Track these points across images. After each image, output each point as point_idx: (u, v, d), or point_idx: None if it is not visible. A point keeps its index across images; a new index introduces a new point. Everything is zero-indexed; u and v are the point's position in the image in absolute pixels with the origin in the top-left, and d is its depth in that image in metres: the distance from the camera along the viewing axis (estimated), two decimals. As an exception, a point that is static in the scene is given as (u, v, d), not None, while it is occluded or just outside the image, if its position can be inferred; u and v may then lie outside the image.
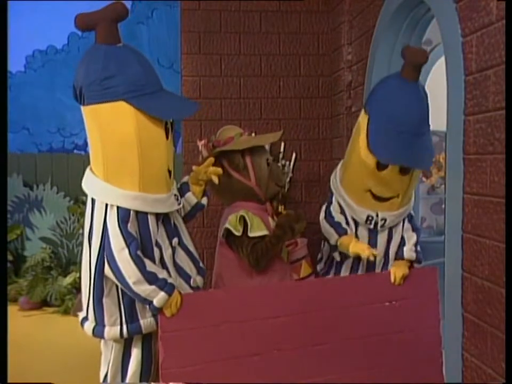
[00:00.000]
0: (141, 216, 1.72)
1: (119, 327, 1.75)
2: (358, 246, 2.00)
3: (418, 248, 2.16)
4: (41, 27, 5.36)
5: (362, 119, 2.07)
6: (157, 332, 1.78)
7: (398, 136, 1.92)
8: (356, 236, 2.12)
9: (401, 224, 2.18)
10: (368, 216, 2.08)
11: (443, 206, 5.10)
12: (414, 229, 2.19)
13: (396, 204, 2.09)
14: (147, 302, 1.66)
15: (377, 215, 2.08)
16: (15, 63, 5.41)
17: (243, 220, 2.07)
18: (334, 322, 1.84)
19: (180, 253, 1.88)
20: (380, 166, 1.99)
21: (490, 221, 1.84)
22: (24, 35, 5.26)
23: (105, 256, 1.68)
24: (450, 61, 2.09)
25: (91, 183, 1.76)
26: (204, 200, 2.05)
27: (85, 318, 1.82)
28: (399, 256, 2.13)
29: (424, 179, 5.58)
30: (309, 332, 1.81)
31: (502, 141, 1.75)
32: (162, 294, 1.65)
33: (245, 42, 3.33)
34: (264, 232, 2.08)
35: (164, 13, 5.45)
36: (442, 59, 2.24)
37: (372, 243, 2.11)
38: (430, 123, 1.99)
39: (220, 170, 2.01)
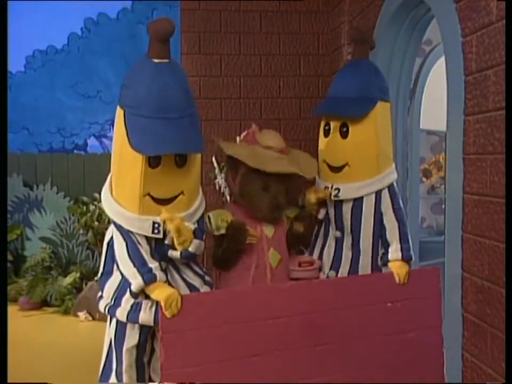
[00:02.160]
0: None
1: (107, 302, 1.84)
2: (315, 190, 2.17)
3: (408, 245, 2.08)
4: (41, 27, 5.36)
5: None
6: (128, 326, 1.82)
7: (329, 100, 2.17)
8: (327, 213, 2.22)
9: (374, 205, 2.13)
10: (325, 188, 2.16)
11: (443, 206, 5.10)
12: (399, 221, 2.11)
13: (348, 174, 2.11)
14: (127, 283, 1.72)
15: (332, 187, 2.13)
16: (15, 63, 5.41)
17: (209, 219, 2.00)
18: (335, 323, 1.84)
19: (175, 277, 1.86)
20: (325, 132, 2.18)
21: (490, 221, 1.84)
22: (24, 35, 5.27)
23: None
24: (450, 61, 2.09)
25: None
26: (174, 254, 1.81)
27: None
28: (385, 260, 2.07)
29: (424, 179, 5.59)
30: (310, 333, 1.81)
31: (502, 141, 1.75)
32: (139, 279, 1.68)
33: (245, 42, 3.33)
34: (222, 231, 2.01)
35: (163, 13, 5.44)
36: (442, 59, 2.24)
37: (338, 218, 2.18)
38: (369, 90, 2.10)
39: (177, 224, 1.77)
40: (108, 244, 1.84)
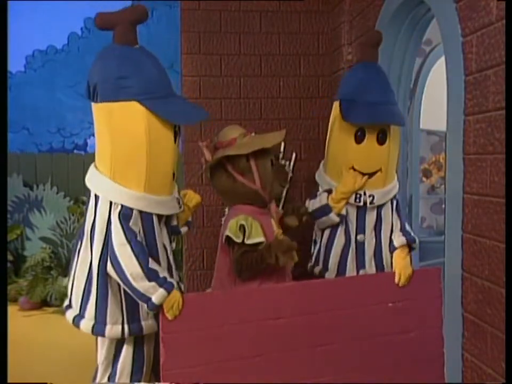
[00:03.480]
0: (145, 216, 1.74)
1: (120, 326, 1.76)
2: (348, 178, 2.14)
3: (407, 230, 2.18)
4: (41, 27, 5.36)
5: (335, 108, 2.27)
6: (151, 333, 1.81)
7: (365, 105, 2.11)
8: (346, 217, 2.21)
9: (390, 208, 2.20)
10: (356, 195, 2.14)
11: (443, 206, 5.10)
12: (399, 215, 2.23)
13: (381, 179, 2.14)
14: (145, 298, 1.65)
15: (364, 193, 2.13)
16: (15, 63, 5.41)
17: (243, 228, 2.01)
18: (336, 323, 1.84)
19: (170, 260, 1.89)
20: (358, 138, 2.12)
21: (490, 221, 1.84)
22: (24, 35, 5.26)
23: (108, 252, 1.69)
24: (450, 61, 2.09)
25: (96, 180, 1.76)
26: (185, 229, 2.04)
27: (80, 316, 1.80)
28: (392, 249, 2.16)
29: (424, 179, 5.58)
30: (311, 333, 1.81)
31: (502, 141, 1.75)
32: (161, 291, 1.64)
33: (245, 42, 3.33)
34: (260, 239, 2.01)
35: (163, 13, 5.45)
36: (442, 59, 2.24)
37: (361, 222, 2.19)
38: (394, 96, 2.17)
39: (199, 200, 2.07)
40: (99, 265, 1.72)
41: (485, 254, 1.88)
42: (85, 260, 1.77)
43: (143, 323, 1.78)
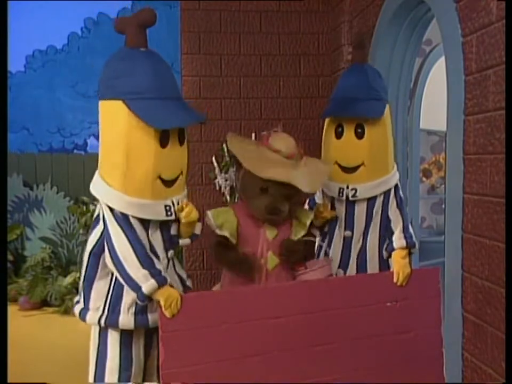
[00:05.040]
0: (123, 215, 1.73)
1: (99, 314, 1.78)
2: (324, 208, 2.20)
3: (410, 233, 2.15)
4: (41, 27, 5.36)
5: None
6: (135, 330, 1.80)
7: (341, 101, 2.16)
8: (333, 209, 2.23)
9: (382, 203, 2.18)
10: (339, 189, 2.17)
11: (443, 206, 5.10)
12: (402, 214, 2.19)
13: (364, 173, 2.14)
14: (137, 287, 1.66)
15: (347, 187, 2.15)
16: (15, 63, 5.41)
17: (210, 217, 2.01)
18: (335, 323, 1.84)
19: (170, 267, 1.87)
20: (337, 134, 2.16)
21: (490, 221, 1.84)
22: (24, 35, 5.26)
23: (105, 241, 1.72)
24: (450, 61, 2.09)
25: (95, 176, 1.82)
26: (186, 241, 1.94)
27: (78, 302, 1.87)
28: (390, 249, 2.14)
29: (424, 179, 5.58)
30: (310, 333, 1.81)
31: (502, 141, 1.75)
32: (152, 281, 1.64)
33: (245, 42, 3.33)
34: (224, 233, 1.98)
35: (164, 13, 5.43)
36: (442, 59, 2.24)
37: (349, 218, 2.19)
38: (378, 93, 2.14)
39: (194, 218, 1.88)
40: (90, 252, 1.78)
41: (485, 254, 1.88)
42: (88, 247, 1.84)
43: (120, 316, 1.77)
